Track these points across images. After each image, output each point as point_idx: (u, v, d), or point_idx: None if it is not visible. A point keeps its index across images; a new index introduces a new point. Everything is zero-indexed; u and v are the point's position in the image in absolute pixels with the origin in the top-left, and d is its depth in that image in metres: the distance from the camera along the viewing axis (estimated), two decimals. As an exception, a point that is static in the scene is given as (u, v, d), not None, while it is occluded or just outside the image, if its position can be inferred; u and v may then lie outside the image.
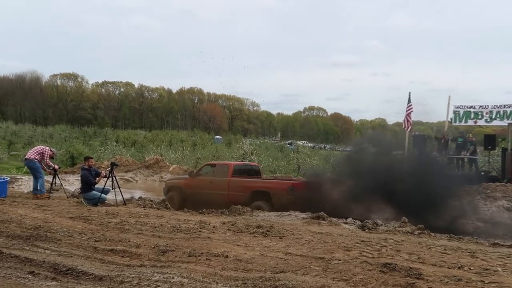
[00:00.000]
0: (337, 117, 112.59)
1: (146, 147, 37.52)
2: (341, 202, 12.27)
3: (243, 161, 24.89)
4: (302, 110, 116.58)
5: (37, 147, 13.49)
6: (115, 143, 39.26)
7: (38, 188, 12.58)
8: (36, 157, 12.66)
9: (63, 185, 14.08)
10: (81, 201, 11.88)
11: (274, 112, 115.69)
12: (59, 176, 13.76)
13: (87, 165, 12.24)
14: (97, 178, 12.07)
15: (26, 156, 12.85)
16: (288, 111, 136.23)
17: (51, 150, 13.22)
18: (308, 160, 28.28)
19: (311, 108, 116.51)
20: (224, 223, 8.81)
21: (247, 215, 10.93)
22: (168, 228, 8.10)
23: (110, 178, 11.86)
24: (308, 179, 15.62)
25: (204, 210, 11.32)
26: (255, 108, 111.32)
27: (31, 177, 13.71)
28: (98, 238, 7.13)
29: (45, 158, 12.81)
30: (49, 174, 13.20)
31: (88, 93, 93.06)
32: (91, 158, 12.99)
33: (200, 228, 8.17)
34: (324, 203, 12.08)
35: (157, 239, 7.13)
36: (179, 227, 8.20)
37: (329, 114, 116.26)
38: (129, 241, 6.93)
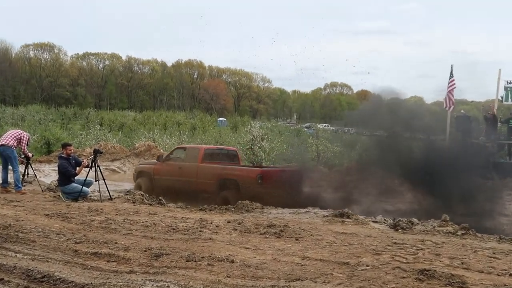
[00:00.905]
0: (364, 95, 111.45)
1: (136, 132, 37.72)
2: (330, 196, 12.35)
3: (251, 148, 24.92)
4: (322, 87, 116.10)
5: (13, 131, 13.43)
6: (99, 126, 39.35)
7: (14, 182, 12.62)
8: (14, 144, 12.68)
9: (38, 177, 14.17)
10: (59, 195, 11.97)
11: (289, 89, 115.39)
12: (33, 165, 13.84)
13: (65, 153, 12.29)
14: (77, 169, 12.14)
15: (3, 142, 12.70)
16: (306, 88, 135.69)
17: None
18: (329, 147, 28.22)
19: (333, 85, 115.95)
20: (229, 222, 8.84)
21: (257, 212, 10.99)
22: (163, 228, 8.15)
23: (93, 168, 11.92)
24: (286, 167, 15.79)
25: (205, 206, 11.37)
26: (266, 85, 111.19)
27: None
28: (79, 240, 7.17)
29: (23, 144, 12.85)
30: (21, 163, 13.25)
31: (66, 67, 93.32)
32: (70, 145, 13.08)
33: (201, 228, 8.21)
34: (306, 196, 12.19)
35: (149, 241, 7.17)
36: (176, 227, 8.24)
37: (354, 91, 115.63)
38: (116, 242, 6.97)
